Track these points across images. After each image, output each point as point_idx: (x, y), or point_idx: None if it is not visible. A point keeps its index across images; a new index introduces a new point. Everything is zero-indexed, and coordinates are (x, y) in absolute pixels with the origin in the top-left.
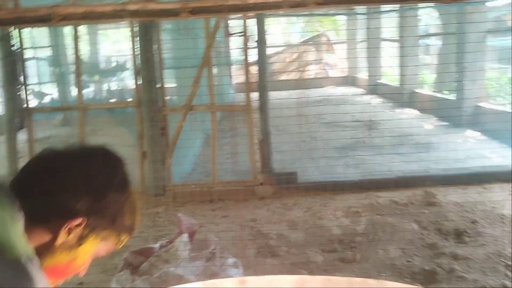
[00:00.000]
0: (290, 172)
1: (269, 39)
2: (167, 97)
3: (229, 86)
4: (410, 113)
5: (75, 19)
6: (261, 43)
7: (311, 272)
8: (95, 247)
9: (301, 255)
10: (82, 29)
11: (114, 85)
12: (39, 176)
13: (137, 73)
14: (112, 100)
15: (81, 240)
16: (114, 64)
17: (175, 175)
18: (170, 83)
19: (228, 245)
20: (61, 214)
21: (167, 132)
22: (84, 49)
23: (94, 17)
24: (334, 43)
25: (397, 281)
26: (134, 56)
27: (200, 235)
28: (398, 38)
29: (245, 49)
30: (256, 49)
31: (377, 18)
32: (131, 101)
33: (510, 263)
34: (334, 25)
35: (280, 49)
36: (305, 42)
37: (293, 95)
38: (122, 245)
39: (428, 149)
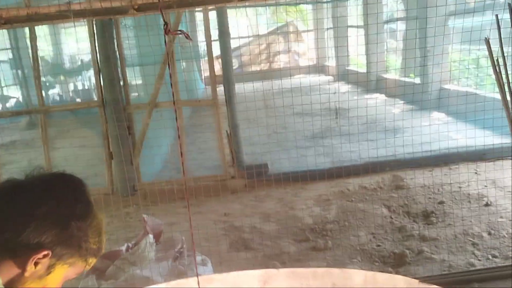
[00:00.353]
0: (261, 164)
1: (236, 31)
2: (133, 95)
3: (199, 80)
4: (378, 98)
5: (19, 21)
6: (223, 35)
7: (283, 263)
8: (64, 273)
9: (273, 246)
10: (45, 28)
11: (79, 84)
12: (1, 212)
13: (97, 72)
14: (78, 100)
15: (49, 269)
16: (78, 63)
17: (145, 174)
18: (134, 81)
19: (201, 241)
20: (27, 248)
21: (133, 131)
22: (47, 49)
23: (39, 19)
24: (302, 32)
25: (366, 266)
26: (95, 54)
27: (171, 233)
28: (363, 25)
29: (208, 42)
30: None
31: (342, 4)
32: (94, 101)
33: (477, 241)
34: (301, 14)
35: (247, 40)
36: (272, 32)
37: (263, 86)
38: (90, 267)
39: (396, 133)
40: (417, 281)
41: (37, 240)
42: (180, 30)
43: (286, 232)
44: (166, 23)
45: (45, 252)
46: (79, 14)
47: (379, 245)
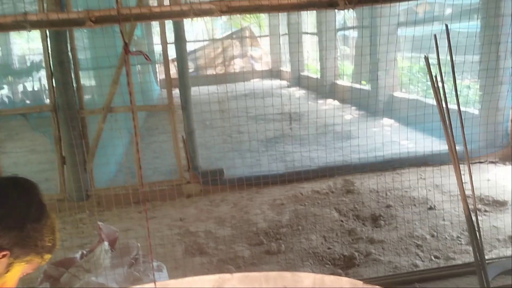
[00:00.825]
0: (217, 169)
1: (192, 34)
2: (86, 99)
3: (155, 84)
4: (331, 104)
5: None
6: (179, 40)
7: (238, 267)
8: (21, 270)
9: (228, 251)
10: None
11: (29, 86)
12: None
13: (50, 75)
14: (27, 102)
15: (7, 268)
16: (28, 64)
17: (99, 179)
18: (88, 84)
19: (156, 247)
20: None
21: (87, 136)
22: None
23: None
24: (258, 37)
25: (317, 269)
26: (47, 57)
27: (126, 239)
28: (317, 32)
29: (164, 47)
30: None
31: (297, 12)
32: (46, 105)
33: (420, 243)
34: (257, 19)
35: (203, 44)
36: (229, 37)
37: (219, 90)
38: (45, 262)
39: (347, 139)
40: (361, 282)
41: None
42: (139, 51)
43: (240, 236)
44: (126, 43)
45: (4, 253)
46: (36, 25)
47: (330, 248)
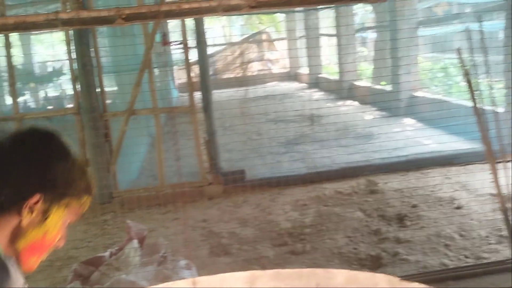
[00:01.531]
0: (238, 170)
1: (210, 38)
2: (108, 102)
3: (173, 87)
4: (350, 105)
5: (7, 30)
6: (201, 43)
7: (263, 267)
8: (62, 216)
9: (252, 251)
10: (15, 35)
11: (51, 91)
12: None
13: (74, 79)
14: (50, 107)
15: (45, 214)
16: (50, 69)
17: (122, 181)
18: (110, 88)
19: (181, 247)
20: (17, 198)
21: (110, 138)
22: (16, 55)
23: (26, 27)
24: (275, 40)
25: (344, 269)
26: (71, 61)
27: (150, 239)
28: (335, 33)
29: (186, 51)
30: (196, 50)
31: (314, 14)
32: (70, 108)
33: (449, 243)
34: (274, 22)
35: (221, 47)
36: (246, 40)
37: (238, 93)
38: (86, 206)
39: (369, 139)
40: (397, 279)
41: (25, 188)
42: (177, 41)
43: (264, 237)
44: (164, 34)
45: (37, 197)
46: (67, 23)
47: (355, 248)
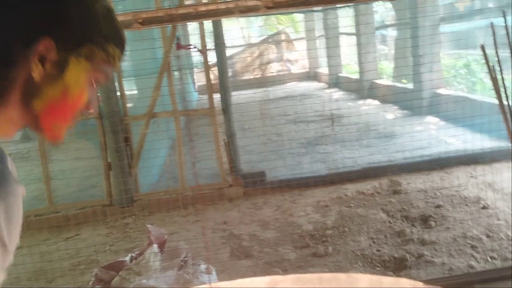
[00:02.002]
0: (259, 172)
1: (229, 40)
2: (128, 106)
3: (193, 90)
4: (371, 104)
5: None
6: (219, 45)
7: (285, 270)
8: (84, 69)
9: (274, 253)
10: None
11: None
12: None
13: None
14: None
15: (61, 66)
16: None
17: (143, 185)
18: (131, 92)
19: (201, 250)
20: (21, 43)
21: (131, 142)
22: None
23: None
24: (294, 40)
25: (367, 271)
26: None
27: (171, 243)
28: (355, 31)
29: (204, 53)
30: (215, 52)
31: (333, 12)
32: (91, 112)
33: (476, 244)
34: (292, 22)
35: (240, 49)
36: (265, 41)
37: (257, 94)
38: (116, 60)
39: (391, 139)
40: (421, 283)
41: (30, 31)
42: (190, 45)
43: (285, 239)
44: (178, 38)
45: (47, 43)
46: None
47: (379, 250)
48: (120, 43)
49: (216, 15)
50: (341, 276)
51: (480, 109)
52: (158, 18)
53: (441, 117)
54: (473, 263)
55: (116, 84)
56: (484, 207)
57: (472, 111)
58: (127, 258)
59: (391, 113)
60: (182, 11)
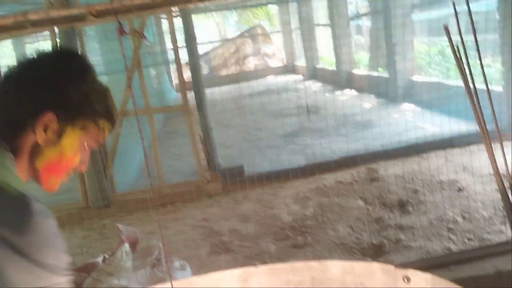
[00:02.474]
0: (237, 166)
1: (205, 36)
2: None
3: (170, 86)
4: (348, 94)
5: None
6: (190, 39)
7: (264, 262)
8: (78, 137)
9: (254, 247)
10: (9, 45)
11: None
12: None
13: None
14: None
15: (60, 134)
16: None
17: (120, 184)
18: None
19: (181, 248)
20: (31, 117)
21: (105, 142)
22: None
23: None
24: (270, 34)
25: (346, 259)
26: None
27: (150, 241)
28: (330, 22)
29: (175, 48)
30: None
31: (307, 4)
32: None
33: (452, 226)
34: (268, 15)
35: (216, 44)
36: (241, 36)
37: (235, 89)
38: (106, 132)
39: (368, 127)
40: (393, 266)
41: (38, 107)
42: (134, 30)
43: (265, 232)
44: (120, 24)
45: (50, 116)
46: (37, 24)
47: (357, 238)
48: (110, 118)
49: (173, 3)
50: (314, 264)
51: (454, 93)
52: (113, 10)
53: (417, 103)
54: (450, 245)
55: None
56: (459, 190)
57: (446, 95)
58: (99, 259)
59: (368, 102)
60: (137, 1)
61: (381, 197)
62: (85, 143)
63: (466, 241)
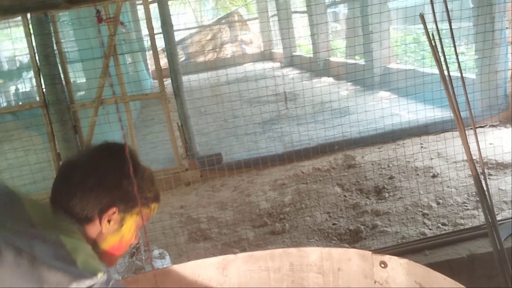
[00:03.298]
0: (215, 154)
1: (181, 23)
2: (77, 93)
3: (146, 75)
4: (325, 81)
5: None
6: (166, 26)
7: (243, 250)
8: (134, 222)
9: (232, 234)
10: None
11: (20, 87)
12: (70, 192)
13: (37, 71)
14: (20, 103)
15: (121, 222)
16: (17, 64)
17: None
18: (77, 78)
19: (160, 236)
20: (98, 212)
21: (80, 130)
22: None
23: None
24: (247, 20)
25: (323, 245)
26: (33, 53)
27: None
28: (307, 10)
29: (151, 34)
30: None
31: None
32: (36, 102)
33: (426, 211)
34: (245, 1)
35: (193, 31)
36: (218, 22)
37: (212, 76)
38: (155, 211)
39: (345, 114)
40: (369, 252)
41: (103, 204)
42: (112, 17)
43: (244, 219)
44: (98, 11)
45: (113, 210)
46: (8, 11)
47: (334, 224)
48: (158, 200)
49: None
50: (292, 250)
51: (429, 80)
52: None
53: (393, 91)
54: (425, 230)
55: (60, 69)
56: (434, 176)
57: (419, 83)
58: None
59: (345, 89)
60: None
61: (358, 183)
62: (139, 224)
63: (440, 226)
